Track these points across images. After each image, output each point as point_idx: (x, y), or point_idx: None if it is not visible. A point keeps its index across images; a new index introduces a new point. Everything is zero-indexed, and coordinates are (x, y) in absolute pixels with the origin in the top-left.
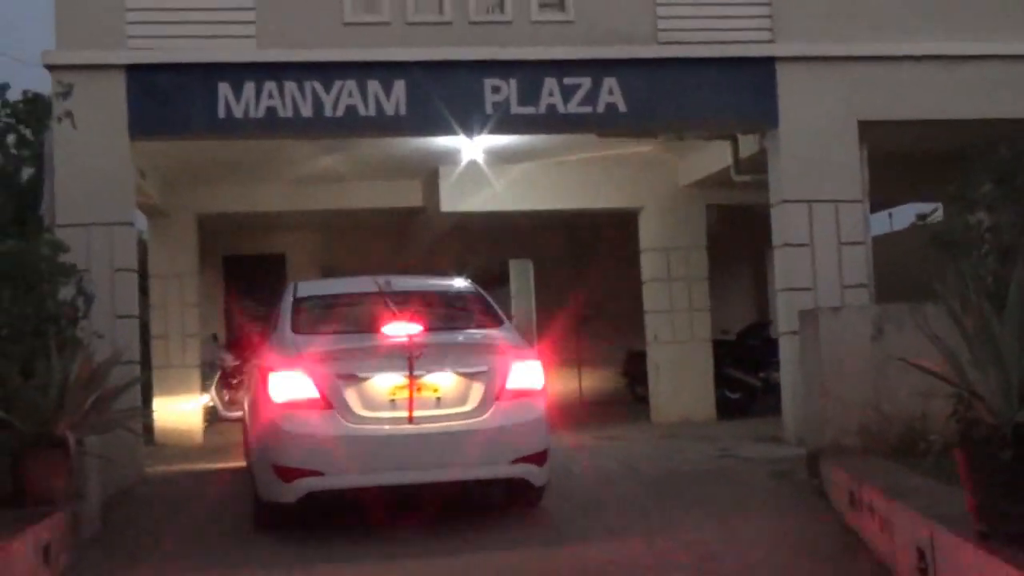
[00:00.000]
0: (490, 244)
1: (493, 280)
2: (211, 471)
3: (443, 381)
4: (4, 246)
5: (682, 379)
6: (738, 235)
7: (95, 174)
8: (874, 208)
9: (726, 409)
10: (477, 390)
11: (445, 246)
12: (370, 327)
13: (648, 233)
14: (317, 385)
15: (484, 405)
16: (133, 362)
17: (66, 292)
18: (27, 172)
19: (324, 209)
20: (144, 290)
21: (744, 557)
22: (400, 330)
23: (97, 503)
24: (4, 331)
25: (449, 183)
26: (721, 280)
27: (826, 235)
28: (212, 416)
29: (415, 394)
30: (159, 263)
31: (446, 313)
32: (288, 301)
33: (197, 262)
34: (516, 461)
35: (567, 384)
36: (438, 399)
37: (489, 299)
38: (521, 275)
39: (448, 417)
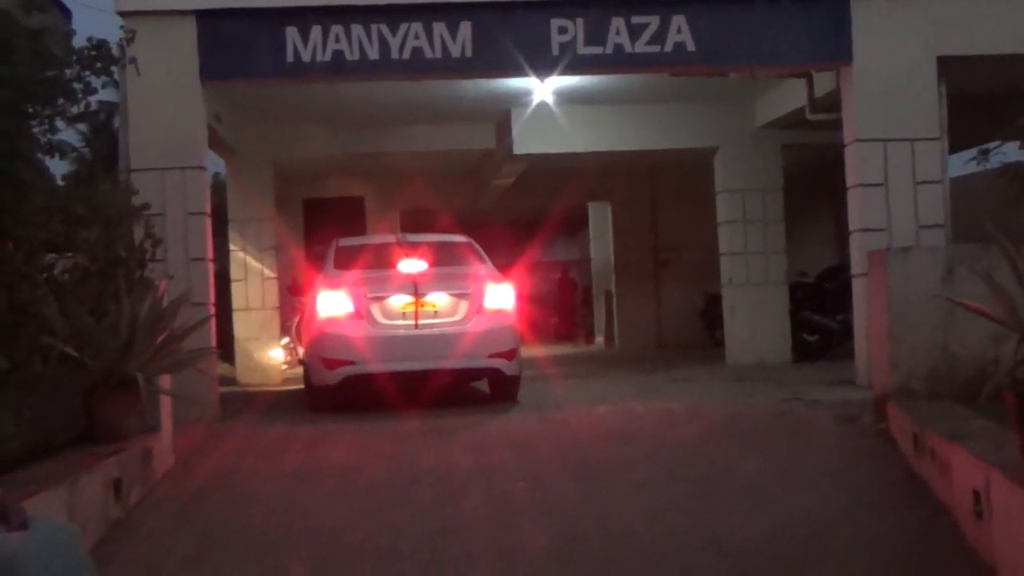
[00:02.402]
0: (566, 187)
1: (572, 225)
2: (279, 391)
3: (439, 300)
4: (87, 192)
5: (757, 322)
6: (817, 176)
7: (168, 119)
8: (958, 148)
9: (803, 352)
10: (463, 306)
11: (521, 189)
12: (389, 265)
13: (723, 174)
14: (352, 302)
15: (468, 316)
16: (205, 303)
17: (136, 234)
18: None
19: (398, 151)
20: (225, 234)
21: (799, 500)
22: (410, 266)
23: (170, 439)
24: (76, 273)
25: (521, 125)
26: (802, 222)
27: (901, 174)
28: (292, 357)
29: (419, 308)
30: (237, 207)
31: (443, 256)
32: (333, 248)
33: (274, 205)
34: (491, 356)
35: (645, 328)
36: (435, 312)
37: (476, 246)
38: (599, 218)
39: (443, 325)
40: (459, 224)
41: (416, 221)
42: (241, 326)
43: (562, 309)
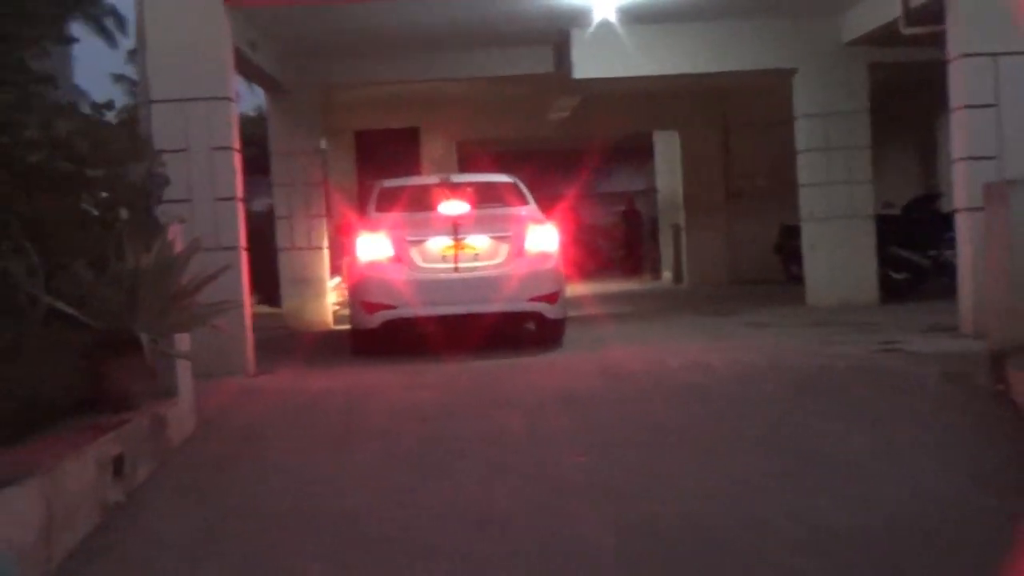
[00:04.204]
0: (630, 114)
1: (636, 154)
2: (325, 334)
3: (479, 242)
4: (89, 126)
5: (840, 259)
6: (902, 97)
7: (190, 46)
8: None
9: (890, 291)
10: (504, 249)
11: (582, 116)
12: (431, 207)
13: (803, 97)
14: (392, 245)
15: (509, 259)
16: (235, 248)
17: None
18: None
19: (452, 78)
20: (266, 169)
21: (910, 481)
22: (451, 208)
23: (190, 402)
24: (77, 218)
25: (581, 47)
26: (884, 149)
27: (1016, 94)
28: (344, 297)
29: (459, 252)
30: (281, 140)
31: (486, 197)
32: (376, 189)
33: (321, 138)
34: (532, 299)
35: (716, 263)
36: (476, 255)
37: (521, 186)
38: (667, 147)
39: (483, 268)
40: (518, 154)
41: (473, 152)
42: (287, 266)
43: (626, 243)
